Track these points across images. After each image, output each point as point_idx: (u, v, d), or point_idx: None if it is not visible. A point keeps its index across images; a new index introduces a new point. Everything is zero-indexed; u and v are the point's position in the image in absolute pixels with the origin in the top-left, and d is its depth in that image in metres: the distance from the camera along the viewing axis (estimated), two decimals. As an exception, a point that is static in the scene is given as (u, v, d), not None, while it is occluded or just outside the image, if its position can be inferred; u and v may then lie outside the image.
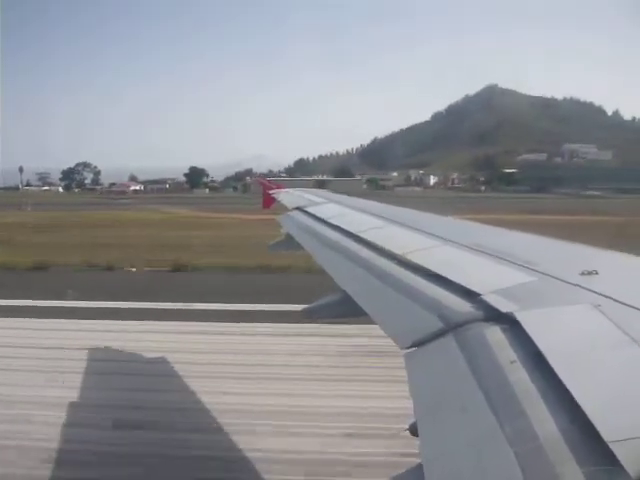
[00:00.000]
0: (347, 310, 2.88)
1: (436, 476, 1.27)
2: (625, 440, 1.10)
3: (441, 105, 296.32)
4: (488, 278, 2.31)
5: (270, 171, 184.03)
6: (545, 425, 1.25)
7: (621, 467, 1.04)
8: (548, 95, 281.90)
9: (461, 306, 2.05)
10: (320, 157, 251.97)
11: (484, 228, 3.93)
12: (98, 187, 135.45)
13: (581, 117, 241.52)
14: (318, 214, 5.57)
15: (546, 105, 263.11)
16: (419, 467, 1.30)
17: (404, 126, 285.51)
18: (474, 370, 1.59)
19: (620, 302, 1.78)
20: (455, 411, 1.52)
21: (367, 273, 3.03)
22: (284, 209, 7.24)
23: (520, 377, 1.47)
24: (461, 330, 1.86)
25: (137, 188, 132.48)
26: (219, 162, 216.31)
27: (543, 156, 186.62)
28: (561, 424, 1.23)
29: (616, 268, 2.41)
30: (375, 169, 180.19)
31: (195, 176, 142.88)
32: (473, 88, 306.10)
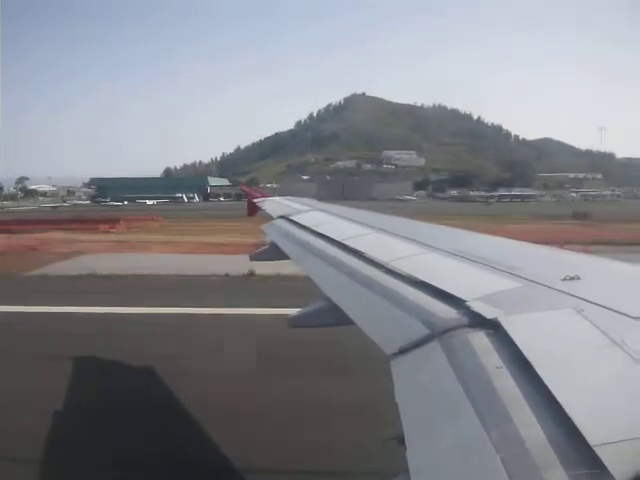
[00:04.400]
0: (333, 318, 2.88)
1: None
2: (610, 443, 1.11)
3: (306, 113, 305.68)
4: (472, 284, 2.33)
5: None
6: (531, 430, 1.25)
7: (606, 470, 1.05)
8: (419, 103, 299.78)
9: (446, 313, 2.06)
10: (185, 166, 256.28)
11: (468, 234, 3.96)
12: None
13: (442, 123, 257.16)
14: (303, 222, 5.57)
15: (409, 112, 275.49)
16: (406, 476, 1.30)
17: (269, 134, 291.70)
18: (460, 376, 1.59)
19: (602, 306, 1.80)
20: (442, 418, 1.52)
21: (353, 281, 3.03)
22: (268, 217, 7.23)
23: (505, 382, 1.48)
24: (446, 336, 1.87)
25: None
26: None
27: (353, 163, 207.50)
28: (546, 428, 1.24)
29: (597, 273, 2.44)
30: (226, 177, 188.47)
31: None
32: (339, 96, 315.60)
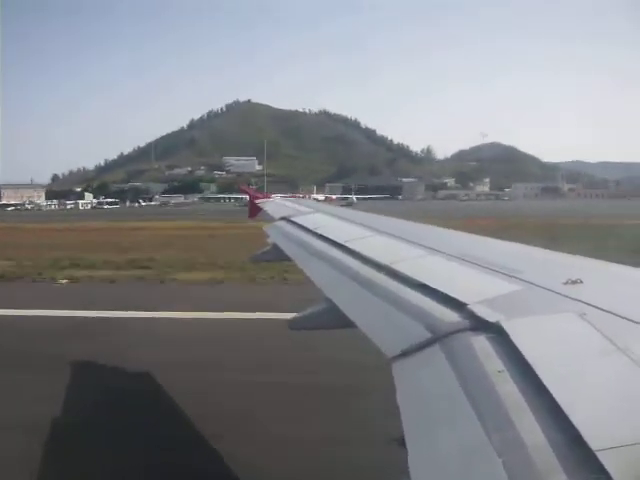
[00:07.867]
0: (335, 320, 2.87)
1: None
2: (612, 448, 1.11)
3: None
4: (474, 288, 2.32)
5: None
6: (533, 434, 1.25)
7: (608, 476, 1.04)
8: (306, 109, 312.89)
9: (448, 316, 2.05)
10: (71, 173, 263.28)
11: (469, 237, 3.96)
12: None
13: (318, 128, 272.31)
14: (305, 224, 5.57)
15: (290, 118, 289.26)
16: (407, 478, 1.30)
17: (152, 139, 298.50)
18: (461, 380, 1.59)
19: (605, 310, 1.80)
20: (443, 421, 1.51)
21: (354, 283, 3.03)
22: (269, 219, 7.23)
23: (507, 386, 1.47)
24: (448, 340, 1.86)
25: None
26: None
27: (187, 170, 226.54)
28: (549, 433, 1.23)
29: (600, 277, 2.44)
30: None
31: None
32: (221, 103, 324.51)
